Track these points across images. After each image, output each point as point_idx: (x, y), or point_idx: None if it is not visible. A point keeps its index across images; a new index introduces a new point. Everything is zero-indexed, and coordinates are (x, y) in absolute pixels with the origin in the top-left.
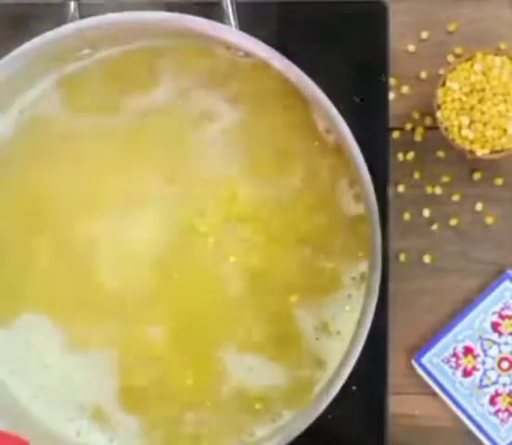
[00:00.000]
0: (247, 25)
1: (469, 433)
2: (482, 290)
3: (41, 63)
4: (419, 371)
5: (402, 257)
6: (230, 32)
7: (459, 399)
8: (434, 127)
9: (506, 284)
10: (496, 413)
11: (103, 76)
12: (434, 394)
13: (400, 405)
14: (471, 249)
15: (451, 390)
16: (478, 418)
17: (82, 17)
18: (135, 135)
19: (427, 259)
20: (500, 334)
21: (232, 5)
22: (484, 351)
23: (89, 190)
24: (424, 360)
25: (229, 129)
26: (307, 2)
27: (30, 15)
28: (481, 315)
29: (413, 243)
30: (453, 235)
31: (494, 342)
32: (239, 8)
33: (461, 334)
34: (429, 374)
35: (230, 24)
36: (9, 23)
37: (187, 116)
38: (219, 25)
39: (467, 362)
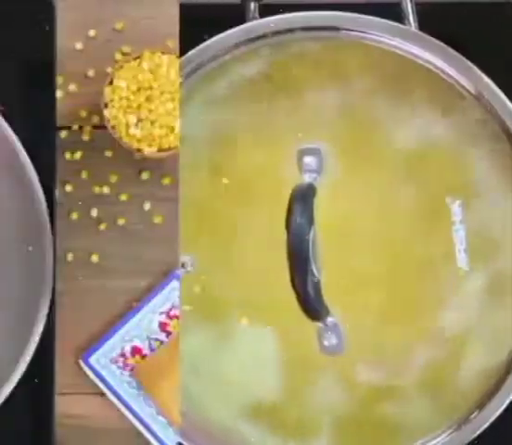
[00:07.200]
0: None
1: (140, 434)
2: (151, 290)
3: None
4: (87, 371)
5: (69, 257)
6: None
7: (127, 398)
8: (102, 126)
9: (174, 284)
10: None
11: None
12: (103, 394)
13: (68, 405)
14: (139, 249)
15: (118, 390)
16: (146, 418)
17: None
18: None
19: (94, 259)
20: (168, 334)
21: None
22: (152, 351)
23: None
24: (92, 360)
25: None
26: None
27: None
28: (149, 315)
29: (81, 243)
30: (120, 235)
31: (162, 342)
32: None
33: (128, 334)
34: (97, 374)
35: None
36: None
37: None
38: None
39: (134, 361)
